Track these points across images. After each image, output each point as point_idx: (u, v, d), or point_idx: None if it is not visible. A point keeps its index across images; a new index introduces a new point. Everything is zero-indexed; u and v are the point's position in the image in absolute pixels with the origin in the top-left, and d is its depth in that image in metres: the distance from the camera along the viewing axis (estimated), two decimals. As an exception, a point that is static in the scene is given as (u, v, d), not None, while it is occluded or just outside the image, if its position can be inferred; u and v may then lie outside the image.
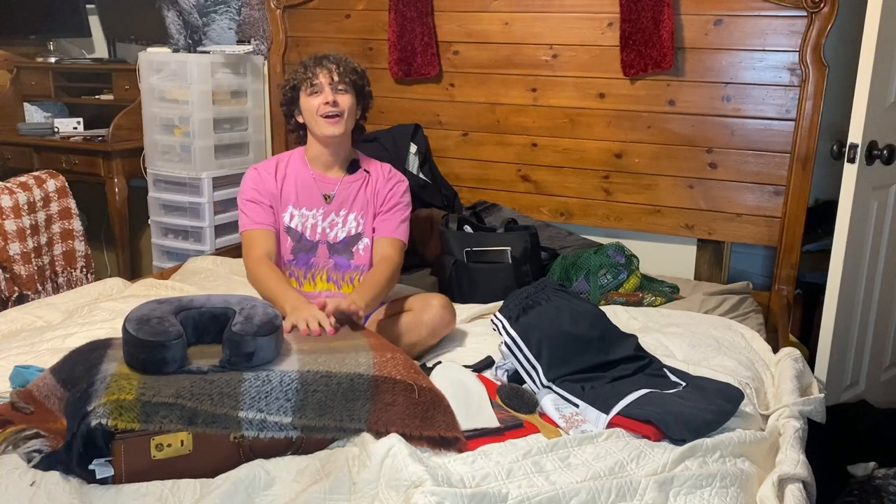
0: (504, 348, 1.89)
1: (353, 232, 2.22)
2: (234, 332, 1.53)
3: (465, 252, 2.58)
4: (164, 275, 2.86)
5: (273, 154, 3.47)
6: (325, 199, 2.20)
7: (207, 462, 1.40)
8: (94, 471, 1.36)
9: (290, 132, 2.34)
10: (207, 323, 1.63)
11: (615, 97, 2.86)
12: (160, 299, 1.64)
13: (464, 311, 2.41)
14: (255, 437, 1.45)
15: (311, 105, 2.14)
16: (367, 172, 2.26)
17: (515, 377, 1.87)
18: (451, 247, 2.61)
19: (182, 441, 1.40)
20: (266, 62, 3.41)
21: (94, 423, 1.34)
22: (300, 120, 2.22)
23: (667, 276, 2.82)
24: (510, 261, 2.55)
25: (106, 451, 1.37)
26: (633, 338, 1.96)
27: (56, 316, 2.34)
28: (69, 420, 1.41)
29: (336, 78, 2.14)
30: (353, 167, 2.25)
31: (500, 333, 1.91)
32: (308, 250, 2.20)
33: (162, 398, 1.40)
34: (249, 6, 3.31)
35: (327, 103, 2.11)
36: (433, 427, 1.54)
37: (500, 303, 2.08)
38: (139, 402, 1.39)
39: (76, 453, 1.35)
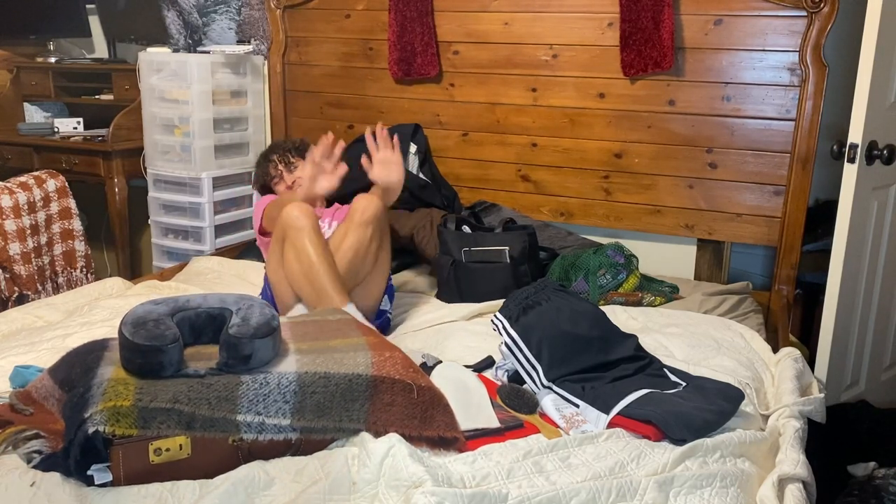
0: (504, 349, 1.89)
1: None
2: (231, 334, 1.52)
3: (464, 252, 2.58)
4: (165, 275, 2.86)
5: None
6: None
7: (206, 465, 1.40)
8: (92, 476, 1.35)
9: None
10: (205, 323, 1.62)
11: (615, 97, 2.86)
12: (157, 300, 1.63)
13: (462, 309, 2.42)
14: (253, 440, 1.44)
15: (280, 191, 2.70)
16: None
17: (516, 377, 1.87)
18: (450, 247, 2.61)
19: (180, 445, 1.39)
20: (266, 62, 3.41)
21: (91, 430, 1.34)
22: None
23: (667, 276, 2.82)
24: (508, 260, 2.55)
25: (105, 456, 1.36)
26: (634, 338, 1.95)
27: (56, 316, 2.34)
28: (66, 426, 1.41)
29: (282, 166, 2.72)
30: (329, 202, 2.67)
31: (501, 334, 1.91)
32: None
33: (159, 403, 1.40)
34: (249, 6, 3.31)
35: (288, 187, 2.65)
36: (432, 427, 1.53)
37: (500, 301, 2.08)
38: (136, 408, 1.38)
39: (74, 460, 1.34)
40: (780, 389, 1.84)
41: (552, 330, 1.86)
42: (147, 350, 1.46)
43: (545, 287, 2.01)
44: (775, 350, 2.12)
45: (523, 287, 2.08)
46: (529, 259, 2.59)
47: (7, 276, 3.16)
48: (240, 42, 3.34)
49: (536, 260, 2.66)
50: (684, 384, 1.79)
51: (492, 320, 1.97)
